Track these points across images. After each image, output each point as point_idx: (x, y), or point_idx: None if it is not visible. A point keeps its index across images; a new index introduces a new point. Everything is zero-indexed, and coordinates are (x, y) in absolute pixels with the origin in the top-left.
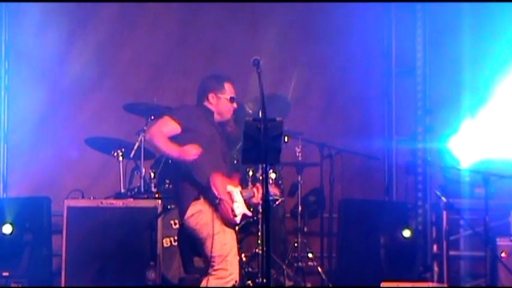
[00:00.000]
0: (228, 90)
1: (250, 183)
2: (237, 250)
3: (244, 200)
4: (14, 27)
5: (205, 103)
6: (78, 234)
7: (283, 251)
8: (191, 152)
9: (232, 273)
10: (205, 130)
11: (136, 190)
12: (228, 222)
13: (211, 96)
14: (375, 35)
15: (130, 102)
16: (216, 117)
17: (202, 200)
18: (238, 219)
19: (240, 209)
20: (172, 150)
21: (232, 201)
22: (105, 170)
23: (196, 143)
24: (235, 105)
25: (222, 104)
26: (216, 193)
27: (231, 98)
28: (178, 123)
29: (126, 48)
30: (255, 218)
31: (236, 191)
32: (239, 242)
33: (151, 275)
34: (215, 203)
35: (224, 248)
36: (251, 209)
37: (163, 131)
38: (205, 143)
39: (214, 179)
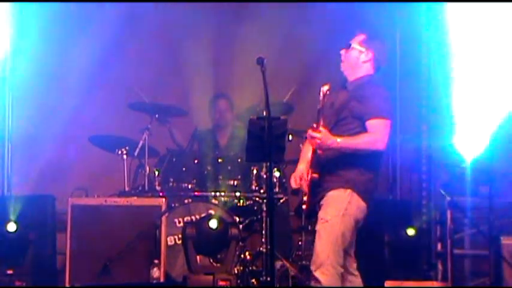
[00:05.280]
0: None
1: (254, 181)
2: None
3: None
4: (18, 26)
5: None
6: (82, 232)
7: (287, 249)
8: None
9: None
10: None
11: (140, 188)
12: None
13: None
14: (379, 34)
15: (134, 100)
16: None
17: None
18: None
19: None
20: None
21: None
22: (109, 168)
23: None
24: None
25: None
26: None
27: None
28: None
29: (130, 46)
30: (259, 216)
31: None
32: (243, 240)
33: (155, 273)
34: None
35: None
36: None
37: None
38: None
39: None
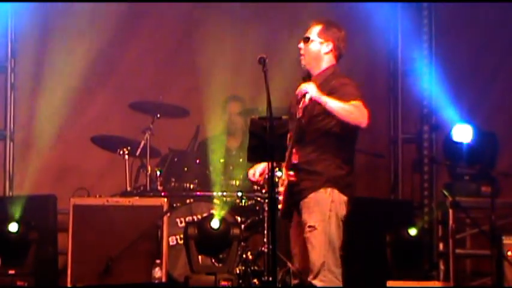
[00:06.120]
0: None
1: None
2: None
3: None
4: (19, 26)
5: None
6: (83, 232)
7: (289, 249)
8: None
9: None
10: None
11: (142, 188)
12: None
13: None
14: (381, 34)
15: (136, 100)
16: None
17: None
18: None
19: None
20: None
21: None
22: (111, 168)
23: None
24: None
25: None
26: None
27: None
28: None
29: (131, 46)
30: (261, 216)
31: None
32: (245, 240)
33: (157, 273)
34: None
35: None
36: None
37: None
38: None
39: None
